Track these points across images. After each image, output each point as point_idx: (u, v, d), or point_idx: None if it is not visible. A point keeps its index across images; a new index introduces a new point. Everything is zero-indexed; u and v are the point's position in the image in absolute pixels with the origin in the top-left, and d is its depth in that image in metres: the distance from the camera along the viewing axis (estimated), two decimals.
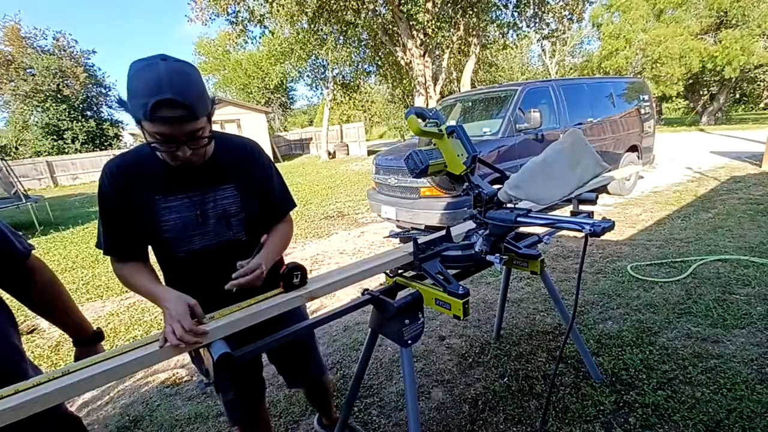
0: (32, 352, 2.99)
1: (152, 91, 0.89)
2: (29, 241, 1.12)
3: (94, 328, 1.23)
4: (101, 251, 1.12)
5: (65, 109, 24.25)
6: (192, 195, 1.10)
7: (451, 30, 11.95)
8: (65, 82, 24.64)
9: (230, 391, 0.98)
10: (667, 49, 17.32)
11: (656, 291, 2.86)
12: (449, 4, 11.00)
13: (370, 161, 7.54)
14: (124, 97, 0.95)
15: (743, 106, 28.37)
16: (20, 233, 1.12)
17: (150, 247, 1.17)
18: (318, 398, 1.71)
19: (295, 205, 1.36)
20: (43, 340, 3.20)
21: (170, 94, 0.90)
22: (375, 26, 12.13)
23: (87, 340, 1.20)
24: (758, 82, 22.25)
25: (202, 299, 1.01)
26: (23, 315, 3.48)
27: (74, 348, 1.20)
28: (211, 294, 1.08)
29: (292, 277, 1.15)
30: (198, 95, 0.97)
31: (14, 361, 0.98)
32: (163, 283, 1.15)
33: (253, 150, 1.23)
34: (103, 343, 1.25)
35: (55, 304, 1.14)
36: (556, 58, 26.21)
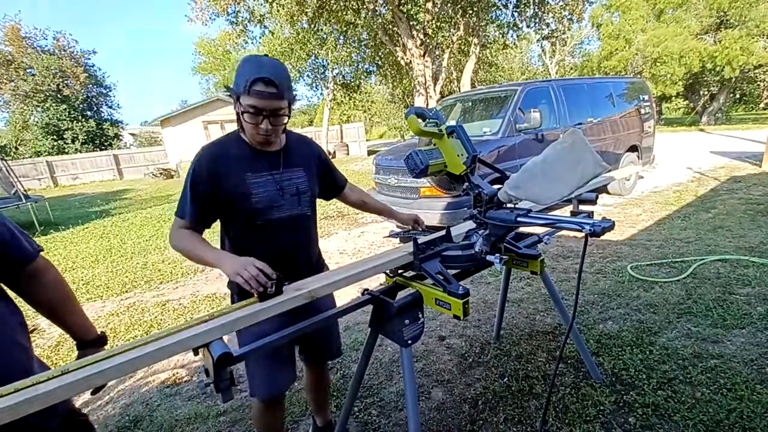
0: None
1: (255, 70, 1.16)
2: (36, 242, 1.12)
3: (98, 332, 1.22)
4: (180, 218, 1.30)
5: (65, 109, 24.25)
6: (274, 173, 1.34)
7: (451, 30, 11.96)
8: (65, 82, 24.65)
9: (230, 391, 0.98)
10: (666, 49, 17.32)
11: (656, 291, 2.86)
12: (449, 4, 11.00)
13: (370, 161, 7.53)
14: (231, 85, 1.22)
15: (743, 106, 28.37)
16: None
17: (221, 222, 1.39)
18: (320, 390, 1.78)
19: (347, 180, 1.71)
20: (43, 340, 3.20)
21: (267, 74, 1.16)
22: (375, 26, 12.12)
23: (90, 343, 1.19)
24: (758, 82, 22.24)
25: (273, 264, 1.16)
26: (24, 315, 3.48)
27: (77, 351, 1.20)
28: (276, 260, 1.22)
29: (266, 287, 1.10)
30: (287, 82, 1.23)
31: (21, 360, 0.99)
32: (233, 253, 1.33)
33: (311, 143, 1.54)
34: (106, 347, 1.24)
35: (61, 306, 1.13)
36: (556, 58, 26.22)
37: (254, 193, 1.29)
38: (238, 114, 1.25)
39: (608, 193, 6.04)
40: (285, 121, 1.29)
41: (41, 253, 1.10)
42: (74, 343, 1.19)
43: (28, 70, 23.76)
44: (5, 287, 1.03)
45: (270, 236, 1.35)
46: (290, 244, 1.37)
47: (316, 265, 1.53)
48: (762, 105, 26.84)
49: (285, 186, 1.35)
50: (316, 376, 1.75)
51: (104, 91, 27.57)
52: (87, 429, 1.19)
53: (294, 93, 1.29)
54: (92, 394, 1.08)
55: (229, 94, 1.24)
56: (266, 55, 1.21)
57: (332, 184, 1.63)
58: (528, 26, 12.26)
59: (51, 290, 1.10)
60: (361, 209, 1.77)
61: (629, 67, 19.24)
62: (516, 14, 11.84)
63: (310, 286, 1.20)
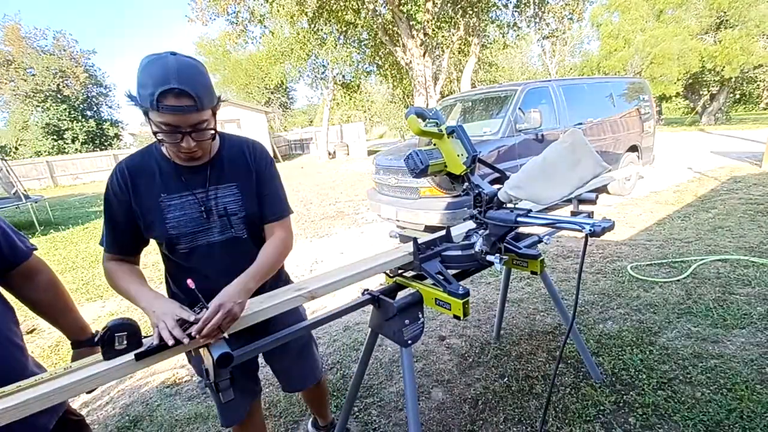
0: (32, 352, 2.98)
1: (160, 81, 0.94)
2: (30, 241, 1.12)
3: (93, 331, 1.22)
4: (103, 248, 1.15)
5: (65, 109, 24.26)
6: (197, 192, 1.14)
7: (451, 30, 11.96)
8: (65, 82, 24.66)
9: (230, 390, 0.98)
10: (663, 49, 17.31)
11: (656, 291, 2.86)
12: (449, 4, 10.99)
13: (370, 161, 7.54)
14: (134, 92, 0.99)
15: (743, 106, 28.36)
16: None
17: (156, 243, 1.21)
18: (315, 400, 1.74)
19: (290, 213, 1.31)
20: (42, 340, 3.20)
21: (177, 84, 0.94)
22: (375, 26, 12.12)
23: (85, 342, 1.19)
24: (758, 82, 22.23)
25: (205, 294, 1.01)
26: (23, 315, 3.48)
27: (72, 350, 1.20)
28: (213, 289, 1.04)
29: (114, 341, 0.89)
30: (204, 88, 1.01)
31: (15, 359, 0.98)
32: (165, 277, 1.22)
33: (254, 149, 1.26)
34: None
35: (55, 305, 1.13)
36: (556, 58, 26.21)
37: (168, 217, 1.11)
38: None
39: (608, 193, 6.04)
40: (211, 133, 1.07)
41: (35, 253, 1.10)
42: (70, 343, 1.19)
43: (28, 70, 23.77)
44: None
45: (201, 263, 1.17)
46: (228, 271, 1.10)
47: (272, 286, 1.29)
48: (762, 105, 26.82)
49: (212, 206, 1.15)
50: (307, 395, 1.72)
51: (104, 91, 27.59)
52: (82, 429, 1.19)
53: (216, 96, 1.07)
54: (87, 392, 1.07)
55: (133, 102, 1.00)
56: (173, 53, 0.99)
57: (262, 208, 1.24)
58: (528, 26, 12.26)
59: (44, 290, 1.10)
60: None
61: (629, 67, 19.24)
62: (516, 14, 11.84)
63: (311, 286, 1.21)
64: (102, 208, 1.13)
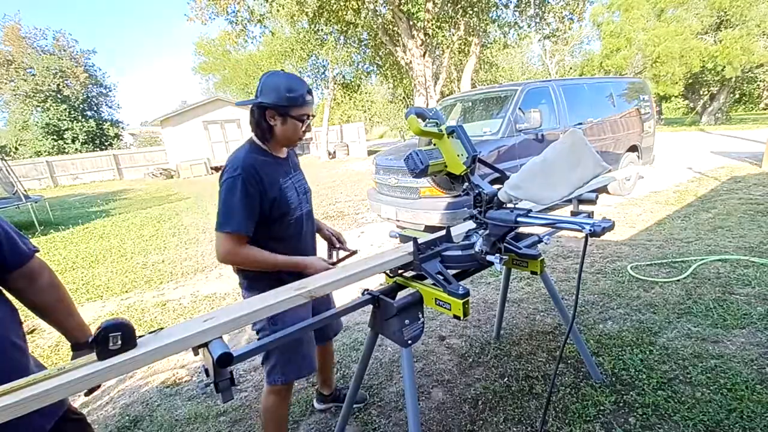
0: (32, 352, 2.98)
1: (299, 85, 1.38)
2: (32, 243, 1.12)
3: (93, 333, 1.21)
4: (235, 233, 1.34)
5: (65, 109, 24.25)
6: (291, 177, 1.52)
7: (452, 30, 11.95)
8: (65, 82, 24.65)
9: (230, 391, 0.98)
10: (667, 48, 17.31)
11: (656, 291, 2.86)
12: (449, 4, 10.99)
13: (370, 161, 7.54)
14: (262, 98, 1.38)
15: (743, 106, 28.35)
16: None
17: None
18: (328, 362, 1.99)
19: None
20: (43, 340, 3.20)
21: (307, 86, 1.41)
22: (375, 26, 12.11)
23: (85, 345, 1.18)
24: (758, 82, 22.23)
25: (299, 252, 1.48)
26: (24, 315, 3.48)
27: (72, 352, 1.19)
28: (303, 248, 1.55)
29: (108, 341, 0.89)
30: None
31: (14, 359, 0.98)
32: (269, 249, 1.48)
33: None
34: None
35: (56, 307, 1.13)
36: (556, 58, 26.22)
37: (288, 195, 1.46)
38: (264, 125, 1.41)
39: (608, 193, 6.04)
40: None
41: (37, 254, 1.09)
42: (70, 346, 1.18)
43: (28, 70, 23.76)
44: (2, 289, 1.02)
45: (299, 231, 1.54)
46: (310, 234, 1.62)
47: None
48: (762, 105, 26.83)
49: (298, 187, 1.54)
50: (321, 352, 1.91)
51: (104, 91, 27.58)
52: (84, 428, 1.19)
53: None
54: (86, 395, 1.07)
55: (266, 106, 1.38)
56: (282, 70, 1.43)
57: None
58: (529, 26, 12.25)
59: (46, 293, 1.09)
60: None
61: (631, 66, 19.24)
62: (517, 14, 11.84)
63: (309, 286, 1.21)
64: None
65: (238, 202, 1.33)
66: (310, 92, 1.41)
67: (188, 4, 10.63)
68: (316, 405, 2.05)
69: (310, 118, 1.45)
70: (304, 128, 1.44)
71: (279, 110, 1.37)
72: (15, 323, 1.03)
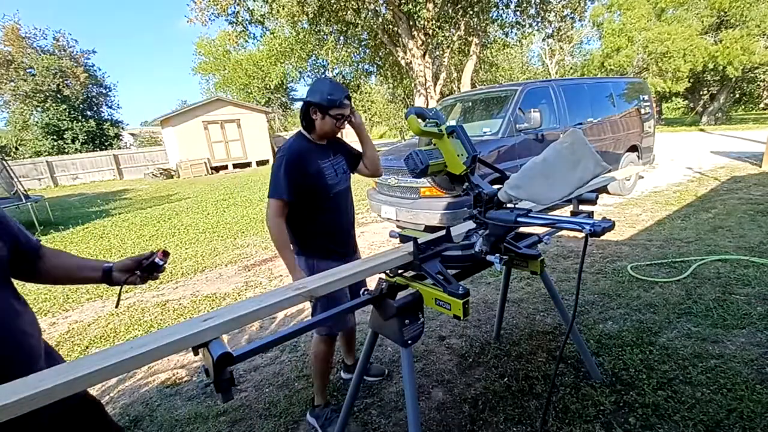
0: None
1: (340, 90, 1.69)
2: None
3: (104, 265, 1.19)
4: (277, 199, 1.69)
5: (65, 109, 24.23)
6: (331, 159, 1.83)
7: (452, 30, 11.95)
8: (65, 82, 24.63)
9: (230, 391, 0.98)
10: (674, 43, 17.30)
11: (656, 291, 2.86)
12: (449, 4, 10.99)
13: None
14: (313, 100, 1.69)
15: (743, 106, 28.36)
16: None
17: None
18: (352, 339, 2.30)
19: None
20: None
21: (346, 91, 1.72)
22: (375, 26, 12.11)
23: (110, 269, 1.18)
24: (758, 82, 22.24)
25: (336, 228, 1.85)
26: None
27: (111, 283, 1.18)
28: (343, 222, 1.88)
29: (155, 267, 1.18)
30: None
31: (29, 345, 1.01)
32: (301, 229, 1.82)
33: (340, 140, 1.99)
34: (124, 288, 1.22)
35: (65, 268, 1.16)
36: (556, 58, 26.22)
37: (327, 174, 1.77)
38: (309, 119, 1.74)
39: (608, 193, 6.04)
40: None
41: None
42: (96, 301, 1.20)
43: (28, 70, 23.73)
44: (16, 280, 1.07)
45: (338, 204, 1.85)
46: (350, 208, 1.93)
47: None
48: (762, 105, 26.85)
49: (337, 168, 1.84)
50: (348, 334, 2.23)
51: (104, 91, 27.55)
52: (101, 410, 1.21)
53: None
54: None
55: (313, 105, 1.70)
56: (328, 78, 1.68)
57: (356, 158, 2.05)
58: (530, 26, 12.26)
59: (55, 256, 1.16)
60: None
61: (632, 64, 19.24)
62: (517, 13, 11.84)
63: (310, 285, 1.21)
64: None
65: (282, 177, 1.67)
66: (348, 98, 1.70)
67: (188, 5, 10.64)
68: (343, 375, 2.31)
69: (345, 118, 1.75)
70: (339, 125, 1.76)
71: (320, 108, 1.69)
72: (26, 313, 1.06)
